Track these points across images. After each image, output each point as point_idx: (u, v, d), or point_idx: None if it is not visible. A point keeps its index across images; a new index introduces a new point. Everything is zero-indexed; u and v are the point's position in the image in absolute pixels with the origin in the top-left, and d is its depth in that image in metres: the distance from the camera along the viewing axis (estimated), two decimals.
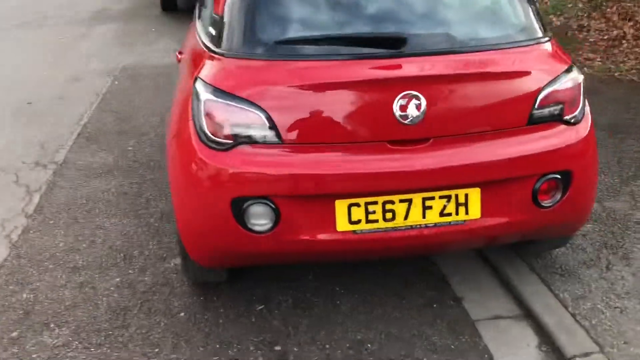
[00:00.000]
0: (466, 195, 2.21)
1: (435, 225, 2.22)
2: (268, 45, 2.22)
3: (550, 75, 2.29)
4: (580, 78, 2.37)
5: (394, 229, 2.20)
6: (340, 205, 2.16)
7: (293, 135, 2.15)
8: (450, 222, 2.22)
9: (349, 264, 2.75)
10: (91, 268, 2.83)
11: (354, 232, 2.18)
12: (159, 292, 2.64)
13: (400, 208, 2.18)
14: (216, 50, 2.27)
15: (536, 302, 2.51)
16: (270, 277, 2.71)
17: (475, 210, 2.23)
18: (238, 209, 2.12)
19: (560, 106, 2.30)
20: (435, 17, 2.33)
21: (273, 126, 2.12)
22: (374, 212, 2.17)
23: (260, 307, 2.54)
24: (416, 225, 2.21)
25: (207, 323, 2.46)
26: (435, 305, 2.54)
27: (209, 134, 2.14)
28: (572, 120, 2.33)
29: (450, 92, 2.21)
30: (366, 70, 2.17)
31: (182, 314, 2.51)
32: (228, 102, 2.13)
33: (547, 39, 2.39)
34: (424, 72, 2.19)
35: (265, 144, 2.14)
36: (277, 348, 2.32)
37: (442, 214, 2.21)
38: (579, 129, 2.34)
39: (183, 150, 2.27)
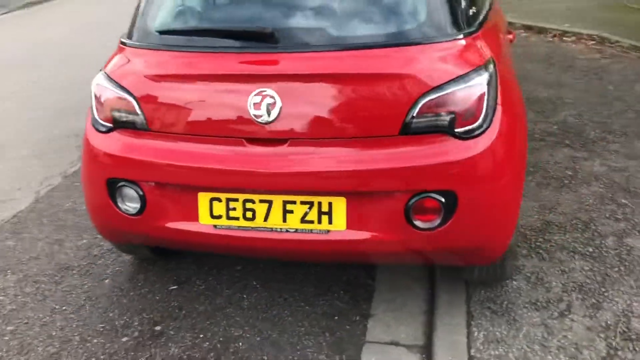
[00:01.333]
0: (330, 204, 2.04)
1: (297, 231, 2.08)
2: (153, 35, 2.26)
3: (437, 80, 1.96)
4: (490, 83, 1.99)
5: (254, 228, 2.12)
6: (203, 198, 2.14)
7: (160, 124, 2.16)
8: (312, 230, 2.07)
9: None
10: (74, 229, 3.14)
11: (214, 226, 2.15)
12: (105, 258, 2.85)
13: (261, 208, 2.09)
14: (121, 40, 2.37)
15: (442, 336, 2.20)
16: (204, 261, 2.76)
17: (340, 222, 2.04)
18: (112, 189, 2.23)
19: (449, 116, 1.96)
20: (318, 12, 2.14)
21: (142, 114, 2.16)
22: (234, 209, 2.12)
23: (173, 288, 2.61)
24: (276, 228, 2.10)
25: (120, 293, 2.60)
26: (336, 318, 2.38)
27: (96, 116, 2.27)
28: (466, 134, 1.97)
29: (309, 93, 2.04)
30: (227, 64, 2.10)
31: (107, 280, 2.69)
32: (109, 87, 2.23)
33: (458, 36, 2.04)
34: (279, 70, 2.04)
35: (137, 130, 2.19)
36: (157, 328, 2.38)
37: (303, 221, 2.07)
38: (473, 145, 1.97)
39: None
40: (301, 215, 2.07)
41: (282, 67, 2.05)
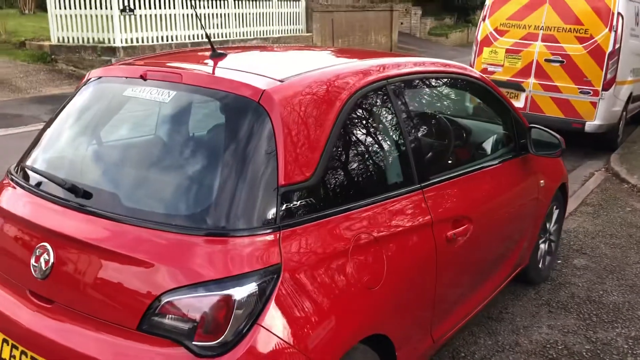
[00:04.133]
0: None
1: None
2: (20, 168, 2.35)
3: (187, 279, 1.72)
4: (253, 296, 1.72)
5: None
6: None
7: None
8: None
9: None
10: None
11: None
12: None
13: None
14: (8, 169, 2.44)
15: None
16: None
17: None
18: None
19: (188, 325, 1.71)
20: (124, 179, 2.12)
21: None
22: (14, 358, 1.99)
23: None
24: None
25: None
26: None
27: None
28: (202, 351, 1.69)
29: (76, 259, 1.92)
30: (31, 209, 2.10)
31: None
32: None
33: (239, 233, 1.77)
34: (58, 228, 1.97)
35: None
36: None
37: None
38: None
39: None
40: None
41: (63, 226, 1.97)
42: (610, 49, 7.55)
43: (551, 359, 3.19)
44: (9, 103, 9.16)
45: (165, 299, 1.74)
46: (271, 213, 1.87)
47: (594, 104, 7.77)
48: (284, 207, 1.89)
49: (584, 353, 3.26)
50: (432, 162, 2.71)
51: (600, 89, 7.65)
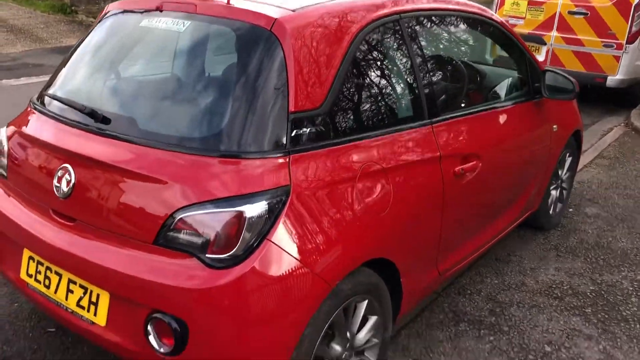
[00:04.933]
0: (98, 296, 2.00)
1: (73, 312, 2.05)
2: (42, 98, 2.46)
3: (199, 196, 1.83)
4: (262, 215, 1.81)
5: (48, 297, 2.13)
6: (25, 254, 2.22)
7: (11, 176, 2.38)
8: (82, 317, 2.03)
9: None
10: None
11: (27, 284, 2.20)
12: None
13: (54, 279, 2.12)
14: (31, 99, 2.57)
15: None
16: None
17: (101, 317, 2.00)
18: None
19: (202, 239, 1.82)
20: (141, 105, 2.19)
21: (5, 163, 2.40)
22: (40, 273, 2.15)
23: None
24: (61, 303, 2.09)
25: None
26: None
27: None
28: (214, 263, 1.80)
29: (96, 179, 2.02)
30: (54, 133, 2.22)
31: None
32: (2, 135, 2.48)
33: (251, 155, 1.86)
34: (79, 150, 2.08)
35: (3, 177, 2.43)
36: None
37: (78, 304, 2.05)
38: (217, 277, 1.78)
39: None
40: (77, 298, 2.05)
41: (84, 148, 2.08)
42: (637, 0, 7.36)
43: (556, 298, 3.27)
44: (30, 53, 9.26)
45: (179, 215, 1.84)
46: (281, 138, 1.94)
47: (617, 58, 7.62)
48: (293, 133, 1.96)
49: (588, 293, 3.33)
50: (443, 99, 2.74)
51: (624, 42, 7.48)
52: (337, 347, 2.16)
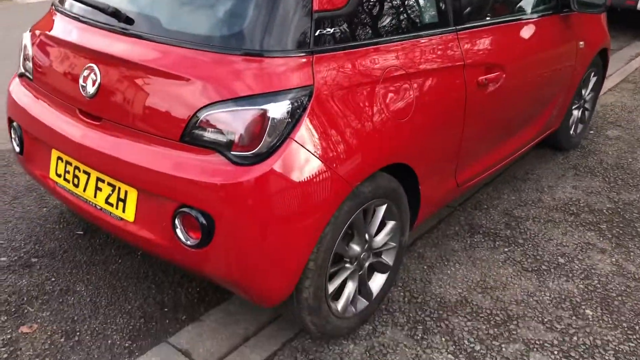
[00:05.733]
0: (126, 193, 2.07)
1: (102, 209, 2.14)
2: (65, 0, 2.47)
3: (224, 94, 1.84)
4: (287, 113, 1.83)
5: (77, 195, 2.22)
6: (53, 155, 2.31)
7: (37, 78, 2.42)
8: (110, 213, 2.11)
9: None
10: None
11: (56, 183, 2.29)
12: None
13: (83, 178, 2.19)
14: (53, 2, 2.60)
15: None
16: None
17: (130, 213, 2.06)
18: (10, 126, 2.59)
19: (227, 136, 1.84)
20: (165, 3, 2.12)
21: (31, 65, 2.44)
22: (69, 173, 2.23)
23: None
24: (90, 201, 2.18)
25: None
26: (166, 310, 2.44)
27: (20, 64, 2.58)
28: (239, 160, 1.83)
29: (122, 78, 2.04)
30: (79, 34, 2.23)
31: None
32: (25, 40, 2.52)
33: (275, 54, 1.85)
34: (104, 49, 2.09)
35: (29, 79, 2.48)
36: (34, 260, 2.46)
37: (106, 202, 2.13)
38: (242, 173, 1.81)
39: None
40: (106, 195, 2.13)
41: (109, 48, 2.09)
42: None
43: (572, 214, 3.31)
44: None
45: (205, 113, 1.86)
46: (305, 37, 1.92)
47: None
48: (317, 32, 1.94)
49: (605, 210, 3.36)
50: (468, 7, 2.67)
51: None
52: (356, 247, 2.23)
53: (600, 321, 2.48)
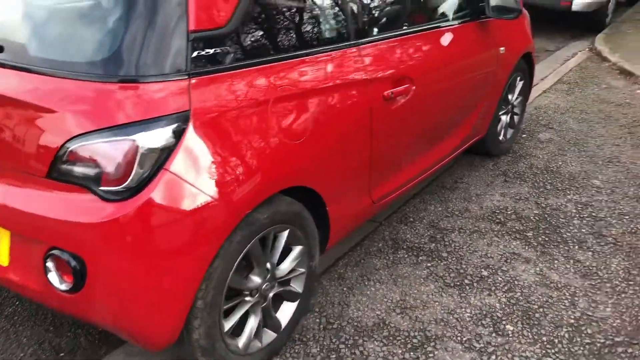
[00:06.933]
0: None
1: None
2: None
3: (91, 125, 1.69)
4: (159, 143, 1.69)
5: None
6: None
7: None
8: None
9: None
10: None
11: None
12: None
13: None
14: None
15: None
16: None
17: (3, 256, 1.90)
18: None
19: (95, 170, 1.70)
20: (32, 29, 1.97)
21: None
22: None
23: None
24: None
25: None
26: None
27: None
28: (109, 195, 1.68)
29: None
30: None
31: None
32: None
33: (151, 79, 1.72)
34: None
35: None
36: None
37: None
38: (112, 210, 1.67)
39: None
40: None
41: None
42: None
43: (498, 223, 3.26)
44: None
45: (70, 146, 1.71)
46: (180, 59, 1.79)
47: None
48: (195, 54, 1.82)
49: (532, 217, 3.32)
50: (372, 18, 2.59)
51: None
52: (256, 278, 2.10)
53: (520, 337, 2.41)
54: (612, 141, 4.37)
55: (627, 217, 3.33)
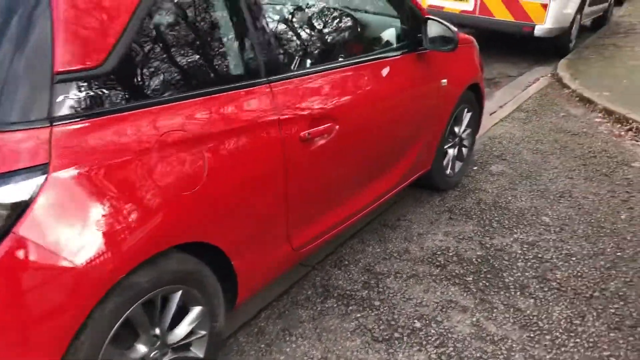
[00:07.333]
0: None
1: None
2: None
3: None
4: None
5: None
6: None
7: None
8: None
9: None
10: None
11: None
12: None
13: None
14: None
15: None
16: None
17: None
18: None
19: None
20: None
21: None
22: None
23: None
24: None
25: None
26: None
27: None
28: None
29: None
30: None
31: None
32: None
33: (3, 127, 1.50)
34: None
35: None
36: None
37: None
38: None
39: None
40: None
41: None
42: None
43: (438, 266, 3.06)
44: None
45: None
46: (41, 105, 1.58)
47: (545, 6, 7.39)
48: (60, 98, 1.60)
49: (474, 259, 3.13)
50: (287, 52, 2.40)
51: None
52: (142, 347, 1.87)
53: None
54: (565, 174, 4.23)
55: (573, 258, 3.16)
